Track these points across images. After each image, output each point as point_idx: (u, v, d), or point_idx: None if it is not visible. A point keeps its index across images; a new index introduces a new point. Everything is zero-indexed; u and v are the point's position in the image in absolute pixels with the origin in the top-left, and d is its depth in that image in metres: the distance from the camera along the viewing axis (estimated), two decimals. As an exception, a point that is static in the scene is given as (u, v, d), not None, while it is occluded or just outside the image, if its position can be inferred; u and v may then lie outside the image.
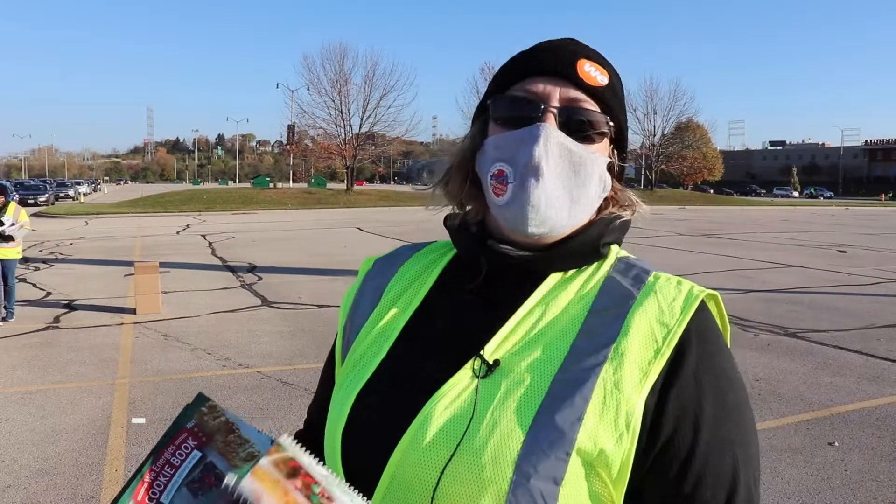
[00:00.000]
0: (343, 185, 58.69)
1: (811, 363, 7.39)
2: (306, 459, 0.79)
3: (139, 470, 0.86)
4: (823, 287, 12.69)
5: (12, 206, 9.15)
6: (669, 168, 70.68)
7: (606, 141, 1.00)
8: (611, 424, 0.84)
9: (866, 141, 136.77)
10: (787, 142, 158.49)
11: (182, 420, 0.91)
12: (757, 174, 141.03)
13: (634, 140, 67.58)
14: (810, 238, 24.09)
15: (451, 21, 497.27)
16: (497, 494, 0.81)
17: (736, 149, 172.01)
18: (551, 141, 0.93)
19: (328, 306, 10.39)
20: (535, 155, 0.92)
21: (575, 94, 0.96)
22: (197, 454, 0.84)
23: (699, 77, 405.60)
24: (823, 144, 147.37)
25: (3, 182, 10.96)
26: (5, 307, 9.13)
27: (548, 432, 0.82)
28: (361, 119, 54.05)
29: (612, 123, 0.99)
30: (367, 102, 53.76)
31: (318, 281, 12.83)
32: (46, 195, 45.56)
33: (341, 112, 53.64)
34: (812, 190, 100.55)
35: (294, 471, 0.77)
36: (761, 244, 21.40)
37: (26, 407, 5.93)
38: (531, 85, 0.97)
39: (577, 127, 0.96)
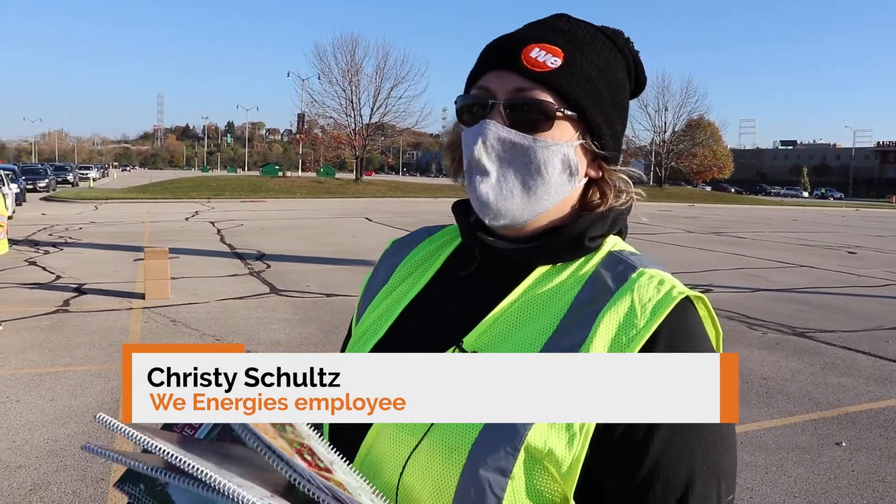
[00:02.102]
0: (352, 175, 58.63)
1: (819, 363, 7.38)
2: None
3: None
4: (832, 288, 12.65)
5: None
6: (679, 165, 70.41)
7: (567, 125, 0.97)
8: (563, 425, 0.83)
9: (878, 143, 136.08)
10: (799, 142, 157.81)
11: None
12: (767, 173, 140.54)
13: (645, 136, 67.29)
14: (820, 239, 24.01)
15: (461, 12, 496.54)
16: (449, 481, 0.84)
17: (746, 147, 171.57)
18: (490, 136, 0.95)
19: (336, 295, 10.41)
20: (475, 152, 0.95)
21: (520, 83, 0.95)
22: None
23: (711, 75, 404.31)
24: (835, 145, 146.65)
25: None
26: None
27: (502, 426, 0.83)
28: (372, 109, 53.90)
29: (565, 110, 0.96)
30: (377, 93, 53.61)
31: (327, 270, 12.86)
32: (47, 180, 43.92)
33: (352, 102, 53.50)
34: (822, 191, 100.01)
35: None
36: (770, 243, 21.35)
37: (36, 389, 5.97)
38: (484, 81, 0.99)
39: (521, 117, 0.95)
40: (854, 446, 5.15)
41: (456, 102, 1.04)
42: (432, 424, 0.87)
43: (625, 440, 0.85)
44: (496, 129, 0.95)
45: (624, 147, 1.08)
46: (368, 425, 0.91)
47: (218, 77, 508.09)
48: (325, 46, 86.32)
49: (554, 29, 1.00)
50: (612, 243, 1.02)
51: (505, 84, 0.96)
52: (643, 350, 0.86)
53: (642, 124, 67.39)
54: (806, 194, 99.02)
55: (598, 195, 1.03)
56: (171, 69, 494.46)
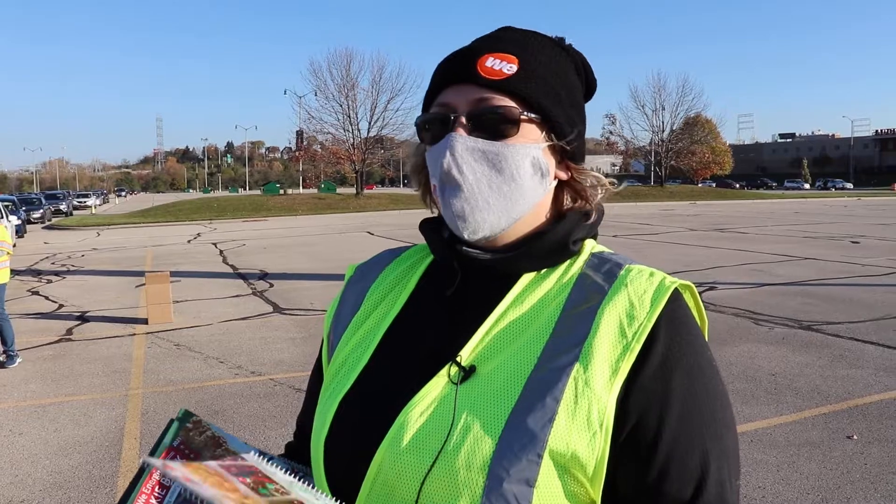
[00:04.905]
0: (353, 190, 58.68)
1: (827, 356, 7.32)
2: (270, 469, 0.77)
3: (128, 494, 0.83)
4: (837, 279, 12.58)
5: None
6: (679, 163, 70.11)
7: (533, 127, 0.97)
8: (583, 424, 0.83)
9: (877, 131, 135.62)
10: (797, 134, 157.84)
11: (167, 438, 0.88)
12: (767, 167, 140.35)
13: (643, 137, 67.13)
14: (823, 230, 23.92)
15: (458, 20, 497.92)
16: (472, 499, 0.81)
17: (745, 142, 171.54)
18: (458, 149, 0.94)
19: (339, 311, 10.34)
20: (445, 167, 0.94)
21: (480, 94, 0.95)
22: None
23: (707, 71, 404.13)
24: (833, 135, 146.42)
25: None
26: (7, 352, 7.77)
27: (519, 435, 0.82)
28: (369, 123, 53.94)
29: (528, 113, 0.96)
30: (374, 106, 53.62)
31: (330, 286, 12.82)
32: (41, 210, 40.97)
33: (349, 117, 53.54)
34: (823, 182, 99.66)
35: (248, 471, 0.75)
36: (774, 237, 21.26)
37: (40, 420, 5.93)
38: (443, 97, 0.98)
39: (486, 126, 0.95)
40: (866, 438, 5.09)
41: (416, 123, 1.02)
42: (443, 446, 0.84)
43: (636, 435, 0.86)
44: (463, 141, 0.94)
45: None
46: (370, 456, 0.88)
47: (215, 98, 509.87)
48: (320, 63, 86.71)
49: (504, 39, 1.00)
50: (591, 246, 1.03)
51: (465, 96, 0.96)
52: (647, 340, 0.87)
53: (640, 125, 67.54)
54: (807, 186, 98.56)
55: (569, 198, 1.03)
56: (168, 92, 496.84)
